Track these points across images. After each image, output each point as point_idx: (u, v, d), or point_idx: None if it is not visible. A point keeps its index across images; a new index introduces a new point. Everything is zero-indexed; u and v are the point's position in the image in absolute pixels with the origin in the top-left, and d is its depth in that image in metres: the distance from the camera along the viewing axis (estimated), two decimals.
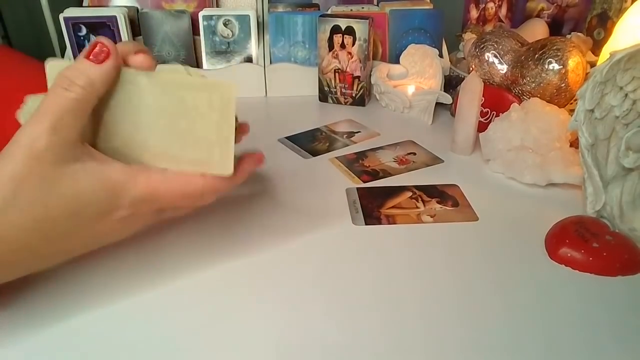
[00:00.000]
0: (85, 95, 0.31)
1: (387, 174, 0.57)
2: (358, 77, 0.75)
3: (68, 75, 0.31)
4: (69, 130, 0.30)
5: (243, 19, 0.77)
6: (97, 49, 0.31)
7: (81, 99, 0.31)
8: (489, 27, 0.91)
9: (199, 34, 0.78)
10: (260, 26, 0.80)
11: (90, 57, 0.31)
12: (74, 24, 0.75)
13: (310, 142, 0.65)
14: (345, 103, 0.78)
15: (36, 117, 0.30)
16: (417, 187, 0.54)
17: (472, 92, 0.58)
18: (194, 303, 0.37)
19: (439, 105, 0.71)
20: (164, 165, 0.35)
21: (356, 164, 0.59)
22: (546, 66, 0.60)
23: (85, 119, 0.31)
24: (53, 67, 0.33)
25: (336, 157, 0.60)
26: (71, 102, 0.30)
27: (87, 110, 0.32)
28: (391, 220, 0.48)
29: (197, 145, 0.35)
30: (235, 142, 0.35)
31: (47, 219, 0.30)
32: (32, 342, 0.33)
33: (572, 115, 0.47)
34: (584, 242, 0.42)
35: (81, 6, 0.81)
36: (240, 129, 0.39)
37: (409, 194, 0.52)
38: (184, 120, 0.34)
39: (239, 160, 0.37)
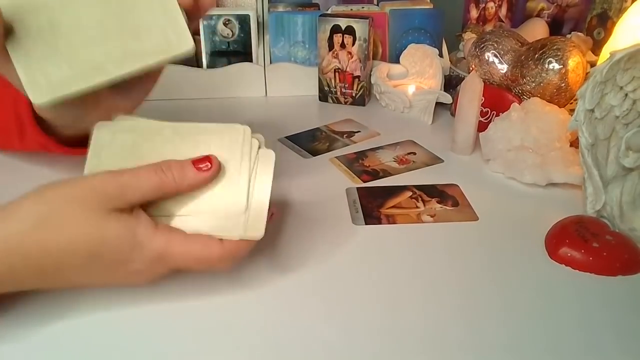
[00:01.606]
0: (172, 186, 0.33)
1: (387, 173, 0.57)
2: (358, 76, 0.75)
3: (172, 164, 0.33)
4: (136, 197, 0.32)
5: (243, 19, 0.77)
6: (204, 163, 0.34)
7: (166, 186, 0.33)
8: (489, 27, 0.91)
9: (199, 34, 0.78)
10: (260, 26, 0.80)
11: (197, 165, 0.34)
12: None
13: (310, 142, 0.65)
14: (345, 103, 0.78)
15: (119, 172, 0.32)
16: (417, 187, 0.54)
17: (472, 92, 0.58)
18: (193, 302, 0.37)
19: (439, 105, 0.71)
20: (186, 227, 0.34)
21: (356, 163, 0.59)
22: (546, 66, 0.60)
23: (154, 199, 0.33)
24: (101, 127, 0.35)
25: (336, 157, 0.60)
26: (157, 183, 0.33)
27: (162, 196, 0.33)
28: (391, 220, 0.48)
29: (151, 35, 0.35)
30: (195, 17, 0.36)
31: (67, 250, 0.31)
32: (30, 342, 0.33)
33: (572, 115, 0.47)
34: (584, 242, 0.42)
35: None
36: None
37: (409, 193, 0.53)
38: (132, 16, 0.35)
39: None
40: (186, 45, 0.36)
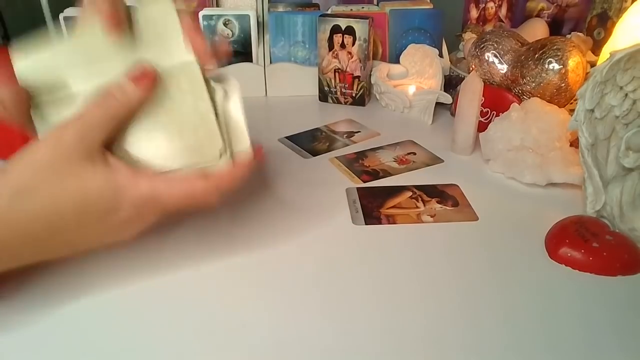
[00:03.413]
0: (120, 107, 0.33)
1: (387, 173, 0.57)
2: (358, 77, 0.75)
3: (109, 89, 0.33)
4: (94, 134, 0.32)
5: (243, 19, 0.77)
6: (139, 71, 0.34)
7: (114, 110, 0.33)
8: (489, 27, 0.91)
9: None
10: (260, 26, 0.80)
11: (133, 78, 0.34)
12: (74, 23, 0.75)
13: (310, 142, 0.65)
14: (345, 103, 0.78)
15: (69, 118, 0.32)
16: (417, 187, 0.54)
17: (472, 92, 0.58)
18: (192, 302, 0.37)
19: (439, 105, 0.71)
20: (166, 166, 0.35)
21: (356, 163, 0.59)
22: (546, 66, 0.60)
23: (112, 130, 0.33)
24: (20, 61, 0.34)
25: (336, 157, 0.60)
26: (105, 110, 0.33)
27: (117, 121, 0.34)
28: (391, 220, 0.48)
29: (183, 133, 0.35)
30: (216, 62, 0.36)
31: (54, 211, 0.32)
32: (28, 330, 0.34)
33: (572, 115, 0.47)
34: (584, 242, 0.42)
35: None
36: (219, 51, 0.38)
37: (409, 193, 0.52)
38: (164, 113, 0.35)
39: (236, 154, 0.37)
40: (215, 146, 0.36)
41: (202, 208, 0.36)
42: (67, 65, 0.34)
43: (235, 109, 0.37)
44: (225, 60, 0.40)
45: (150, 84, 0.34)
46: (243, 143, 0.37)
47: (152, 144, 0.35)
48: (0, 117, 0.33)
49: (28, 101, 0.34)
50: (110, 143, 0.34)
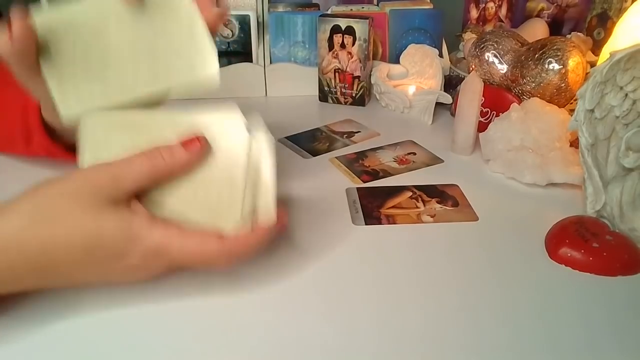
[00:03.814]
0: (163, 168, 0.33)
1: (387, 174, 0.57)
2: (358, 77, 0.75)
3: (161, 147, 0.33)
4: (129, 185, 0.33)
5: (243, 19, 0.77)
6: (192, 141, 0.34)
7: (157, 169, 0.33)
8: (489, 27, 0.91)
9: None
10: (260, 26, 0.80)
11: (185, 145, 0.34)
12: None
13: (310, 142, 0.65)
14: (345, 103, 0.78)
15: (111, 163, 0.33)
16: (417, 187, 0.54)
17: (472, 92, 0.58)
18: (191, 302, 0.37)
19: (439, 105, 0.71)
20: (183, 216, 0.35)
21: (356, 163, 0.59)
22: (546, 66, 0.60)
23: (148, 185, 0.33)
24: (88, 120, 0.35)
25: (336, 157, 0.60)
26: (147, 168, 0.33)
27: (155, 181, 0.34)
28: (391, 220, 0.48)
29: (179, 58, 0.36)
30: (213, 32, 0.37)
31: (64, 245, 0.31)
32: (29, 343, 0.33)
33: (572, 115, 0.47)
34: (584, 242, 0.42)
35: None
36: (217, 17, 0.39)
37: (409, 194, 0.53)
38: (161, 40, 0.37)
39: (259, 219, 0.36)
40: (211, 68, 0.37)
41: (210, 269, 0.36)
42: (79, 20, 0.35)
43: (266, 170, 0.36)
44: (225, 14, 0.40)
45: (200, 152, 0.34)
46: (268, 208, 0.36)
47: (175, 192, 0.35)
48: (5, 51, 0.33)
49: (34, 40, 0.33)
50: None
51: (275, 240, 0.44)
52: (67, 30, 0.35)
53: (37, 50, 0.35)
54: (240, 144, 0.35)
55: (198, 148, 0.34)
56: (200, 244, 0.33)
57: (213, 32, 0.38)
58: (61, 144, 0.47)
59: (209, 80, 0.37)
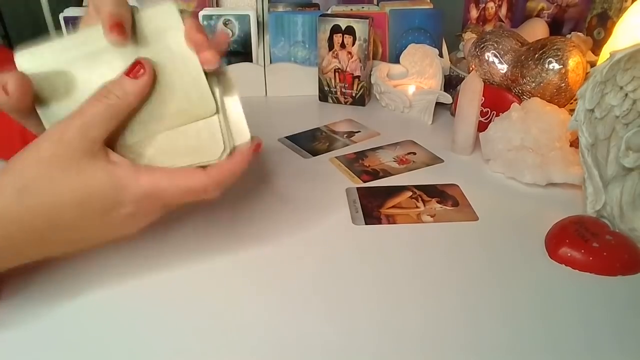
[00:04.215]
0: (119, 103, 0.33)
1: (387, 173, 0.57)
2: (358, 76, 0.75)
3: (108, 86, 0.33)
4: (95, 131, 0.33)
5: (243, 19, 0.77)
6: (136, 67, 0.34)
7: (114, 107, 0.33)
8: (489, 27, 0.91)
9: None
10: (260, 26, 0.80)
11: (130, 74, 0.34)
12: (74, 24, 0.75)
13: (310, 142, 0.65)
14: (345, 103, 0.78)
15: (71, 115, 0.33)
16: (417, 187, 0.54)
17: (472, 92, 0.58)
18: (191, 301, 0.37)
19: (439, 105, 0.71)
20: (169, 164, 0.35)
21: (356, 163, 0.59)
22: (546, 66, 0.60)
23: (113, 124, 0.34)
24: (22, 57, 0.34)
25: (336, 157, 0.60)
26: (105, 107, 0.33)
27: (117, 118, 0.34)
28: (391, 220, 0.48)
29: (175, 97, 0.35)
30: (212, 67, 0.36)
31: (55, 206, 0.32)
32: (28, 328, 0.34)
33: (572, 115, 0.47)
34: (584, 242, 0.42)
35: (81, 6, 0.81)
36: (218, 41, 0.38)
37: (409, 193, 0.52)
38: (164, 107, 0.36)
39: (235, 147, 0.37)
40: (209, 107, 0.36)
41: (203, 202, 0.36)
42: (69, 59, 0.34)
43: (234, 104, 0.37)
44: (225, 49, 0.39)
45: (147, 79, 0.34)
46: (243, 137, 0.37)
47: (154, 141, 0.35)
48: (2, 106, 0.33)
49: (31, 92, 0.33)
50: (113, 140, 0.34)
51: (275, 238, 0.44)
52: (59, 70, 0.35)
53: (34, 99, 0.34)
54: (200, 74, 0.35)
55: (144, 72, 0.34)
56: (188, 179, 0.34)
57: (210, 70, 0.37)
58: None
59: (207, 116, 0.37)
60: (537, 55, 0.61)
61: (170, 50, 0.35)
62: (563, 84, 0.60)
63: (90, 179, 0.32)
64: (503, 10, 0.90)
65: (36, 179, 0.32)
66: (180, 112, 0.35)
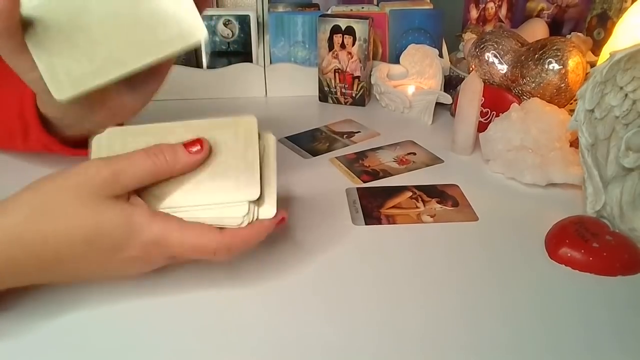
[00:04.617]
0: (165, 168, 0.34)
1: (387, 174, 0.57)
2: (358, 77, 0.75)
3: (163, 147, 0.34)
4: (129, 180, 0.33)
5: (243, 19, 0.77)
6: (195, 145, 0.34)
7: (159, 167, 0.33)
8: (489, 27, 0.91)
9: None
10: (260, 26, 0.80)
11: (187, 147, 0.34)
12: None
13: (310, 142, 0.65)
14: (345, 103, 0.78)
15: (112, 158, 0.33)
16: (417, 187, 0.54)
17: (472, 92, 0.58)
18: (191, 301, 0.37)
19: (439, 105, 0.71)
20: (196, 207, 0.35)
21: (356, 164, 0.59)
22: (546, 66, 0.60)
23: (148, 181, 0.34)
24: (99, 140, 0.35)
25: (336, 157, 0.60)
26: (150, 165, 0.33)
27: (156, 178, 0.34)
28: (391, 220, 0.48)
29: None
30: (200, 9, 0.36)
31: (65, 239, 0.32)
32: (28, 339, 0.34)
33: (572, 115, 0.47)
34: (584, 242, 0.42)
35: None
36: None
37: (409, 194, 0.53)
38: (146, 9, 0.36)
39: (257, 220, 0.36)
40: (200, 33, 0.36)
41: (209, 262, 0.36)
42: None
43: (270, 166, 0.36)
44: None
45: (200, 158, 0.34)
46: (270, 206, 0.36)
47: (178, 188, 0.35)
48: None
49: (19, 19, 0.33)
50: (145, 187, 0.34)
51: (274, 238, 0.44)
52: (51, 7, 0.34)
53: (23, 28, 0.34)
54: (253, 144, 0.35)
55: (199, 152, 0.34)
56: (200, 237, 0.34)
57: (200, 9, 0.37)
58: (58, 138, 0.47)
59: (199, 43, 0.37)
60: (537, 56, 0.61)
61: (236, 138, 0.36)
62: (563, 85, 0.60)
63: (106, 217, 0.32)
64: (503, 11, 0.90)
65: (54, 203, 0.31)
66: (223, 191, 0.35)
